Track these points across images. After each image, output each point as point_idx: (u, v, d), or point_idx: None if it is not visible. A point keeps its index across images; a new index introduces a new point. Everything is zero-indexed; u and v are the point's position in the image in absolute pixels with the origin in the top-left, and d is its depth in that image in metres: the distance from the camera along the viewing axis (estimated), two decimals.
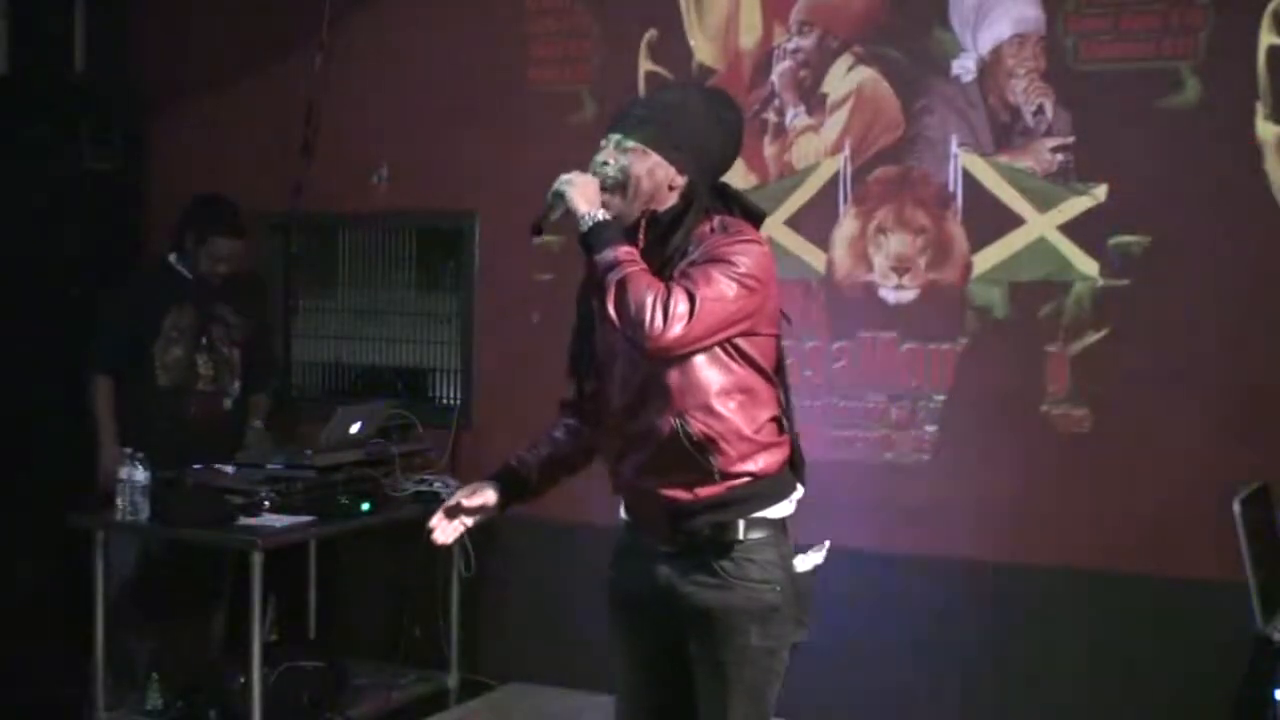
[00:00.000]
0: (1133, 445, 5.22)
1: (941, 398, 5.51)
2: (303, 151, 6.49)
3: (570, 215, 3.23)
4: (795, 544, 3.38)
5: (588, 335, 3.45)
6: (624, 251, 3.17)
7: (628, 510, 3.46)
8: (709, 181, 3.38)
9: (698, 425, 3.22)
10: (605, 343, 3.37)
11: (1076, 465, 5.30)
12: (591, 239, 3.19)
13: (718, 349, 3.23)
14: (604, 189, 3.29)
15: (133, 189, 6.74)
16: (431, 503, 5.77)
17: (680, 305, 3.09)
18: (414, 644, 6.31)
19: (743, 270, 3.19)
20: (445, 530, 3.48)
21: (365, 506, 5.60)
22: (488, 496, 3.49)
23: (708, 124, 3.37)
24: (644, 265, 3.17)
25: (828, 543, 3.46)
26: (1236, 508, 4.25)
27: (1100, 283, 5.27)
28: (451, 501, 3.49)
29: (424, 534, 3.49)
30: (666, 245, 3.29)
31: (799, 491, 3.39)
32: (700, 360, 3.22)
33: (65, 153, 6.42)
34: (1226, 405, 5.08)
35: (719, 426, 3.23)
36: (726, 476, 3.26)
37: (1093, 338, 5.29)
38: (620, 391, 3.33)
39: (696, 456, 3.24)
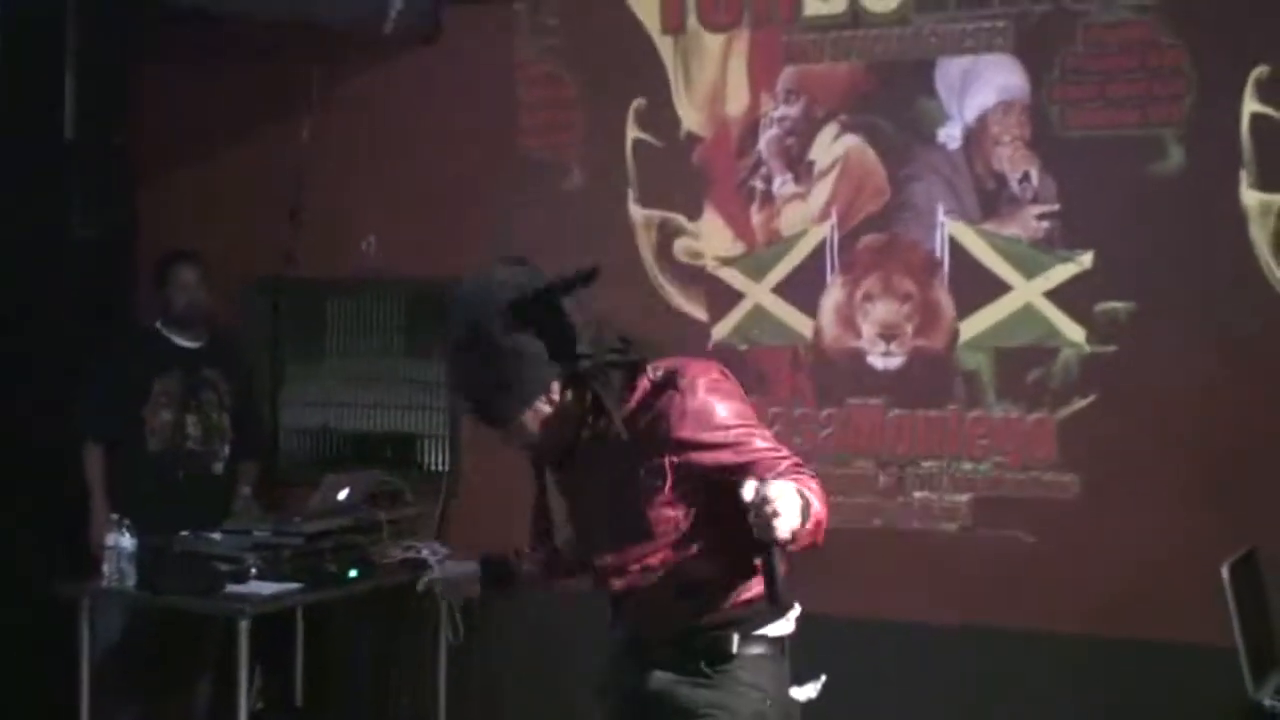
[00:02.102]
0: (1120, 511, 5.22)
1: (930, 464, 5.51)
2: (291, 219, 6.50)
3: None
4: (794, 672, 3.33)
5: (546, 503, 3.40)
6: (811, 489, 2.91)
7: (625, 626, 3.41)
8: (573, 353, 3.04)
9: (687, 579, 3.16)
10: (580, 513, 3.31)
11: (1064, 531, 5.30)
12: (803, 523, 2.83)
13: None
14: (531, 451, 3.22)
15: (122, 256, 6.75)
16: (420, 569, 5.76)
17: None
18: (402, 712, 6.28)
19: (746, 417, 3.08)
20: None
21: (353, 574, 5.58)
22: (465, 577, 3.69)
23: (519, 341, 3.00)
24: (799, 475, 2.95)
25: (824, 677, 3.40)
26: (1225, 573, 4.25)
27: (1087, 349, 5.29)
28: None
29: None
30: (609, 428, 3.06)
31: (797, 610, 3.34)
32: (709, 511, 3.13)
33: (54, 219, 6.42)
34: (1214, 470, 5.08)
35: (719, 568, 3.16)
36: (718, 609, 3.20)
37: (1080, 403, 5.30)
38: (608, 558, 3.24)
39: (689, 600, 3.20)
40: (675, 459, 3.04)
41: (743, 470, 2.93)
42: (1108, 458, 5.26)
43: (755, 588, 3.19)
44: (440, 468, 6.47)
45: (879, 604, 5.48)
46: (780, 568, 2.81)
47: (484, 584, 3.62)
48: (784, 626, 3.28)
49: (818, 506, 2.87)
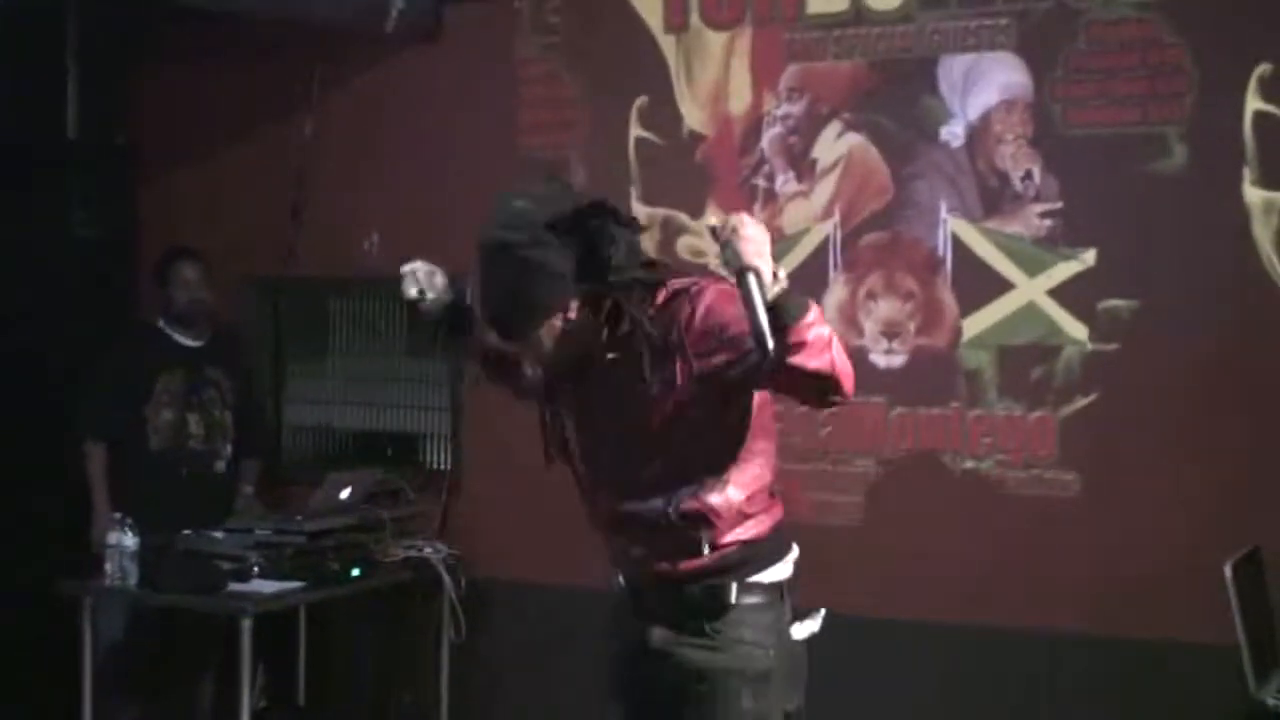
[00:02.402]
0: (1122, 509, 5.21)
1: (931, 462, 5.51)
2: (293, 217, 6.51)
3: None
4: (793, 610, 3.35)
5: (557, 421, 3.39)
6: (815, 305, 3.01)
7: (624, 578, 3.42)
8: (601, 272, 3.09)
9: (690, 504, 3.17)
10: (589, 428, 3.30)
11: (1065, 529, 5.29)
12: (792, 311, 2.94)
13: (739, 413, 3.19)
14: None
15: (123, 255, 6.75)
16: (422, 569, 5.78)
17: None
18: (404, 711, 6.28)
19: None
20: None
21: (355, 572, 5.58)
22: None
23: (548, 257, 3.08)
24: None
25: (823, 611, 3.42)
26: (1227, 572, 4.24)
27: (1089, 347, 5.29)
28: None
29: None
30: (625, 339, 3.14)
31: (794, 553, 3.35)
32: (718, 430, 3.17)
33: (55, 219, 6.43)
34: (1215, 469, 5.07)
35: (716, 502, 3.18)
36: (716, 548, 3.22)
37: (1082, 402, 5.30)
38: (612, 476, 3.27)
39: (689, 532, 3.21)
40: (687, 366, 3.08)
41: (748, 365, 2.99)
42: (1110, 456, 5.25)
43: (753, 529, 3.23)
44: (442, 467, 6.46)
45: (878, 602, 5.47)
46: (761, 308, 2.84)
47: (442, 321, 3.77)
48: (781, 571, 3.30)
49: (829, 332, 3.03)
